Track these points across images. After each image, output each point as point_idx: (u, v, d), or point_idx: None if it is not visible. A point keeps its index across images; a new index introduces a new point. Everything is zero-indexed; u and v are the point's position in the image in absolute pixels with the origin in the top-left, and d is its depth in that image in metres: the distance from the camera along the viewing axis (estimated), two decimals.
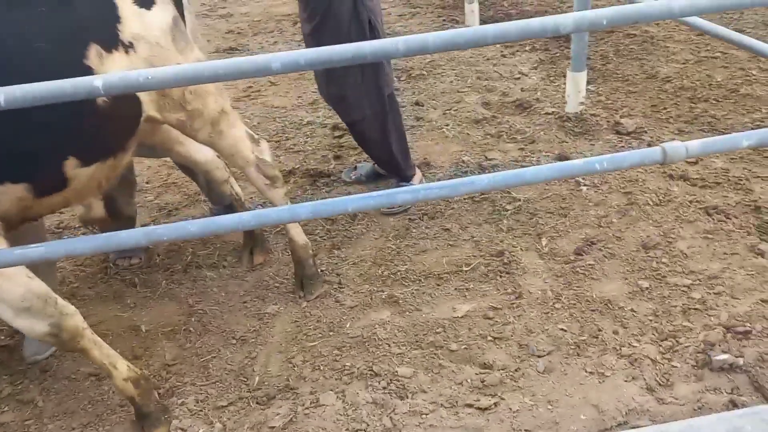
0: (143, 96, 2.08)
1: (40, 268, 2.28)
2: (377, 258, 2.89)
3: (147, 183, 3.62)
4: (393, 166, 3.21)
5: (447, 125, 3.97)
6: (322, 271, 2.80)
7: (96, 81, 1.50)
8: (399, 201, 1.92)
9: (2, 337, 2.51)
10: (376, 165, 3.40)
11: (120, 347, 2.38)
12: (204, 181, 2.99)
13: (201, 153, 2.71)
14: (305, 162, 3.70)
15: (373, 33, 2.86)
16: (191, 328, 2.57)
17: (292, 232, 2.68)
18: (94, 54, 1.87)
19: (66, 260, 2.98)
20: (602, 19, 1.56)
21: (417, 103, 4.25)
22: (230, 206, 3.03)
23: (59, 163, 1.88)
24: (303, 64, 1.65)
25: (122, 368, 2.08)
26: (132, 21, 1.99)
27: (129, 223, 2.92)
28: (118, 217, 2.90)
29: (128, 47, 1.98)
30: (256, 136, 2.56)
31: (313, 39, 2.91)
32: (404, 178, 3.24)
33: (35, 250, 1.74)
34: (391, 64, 3.05)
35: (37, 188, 1.87)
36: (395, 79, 4.41)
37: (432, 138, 3.85)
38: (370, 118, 3.03)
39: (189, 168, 2.95)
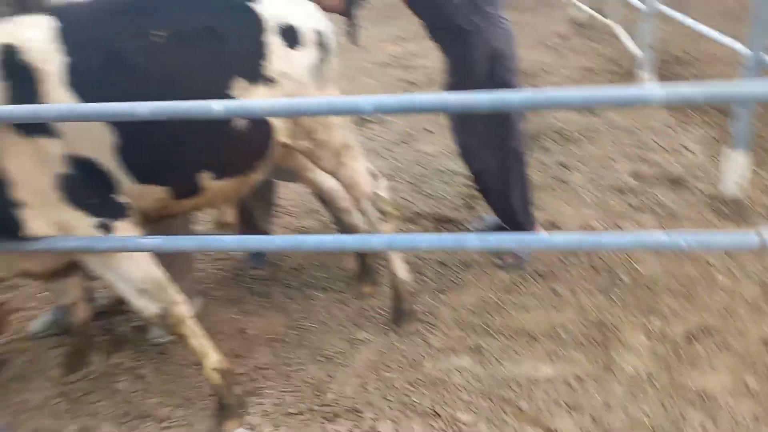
0: (277, 123, 2.33)
1: (179, 262, 2.66)
2: (477, 307, 2.92)
3: (293, 207, 3.99)
4: (512, 220, 3.23)
5: (587, 190, 3.89)
6: (418, 309, 2.89)
7: (215, 105, 1.79)
8: (469, 246, 1.98)
9: (136, 319, 2.92)
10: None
11: (226, 345, 2.67)
12: (331, 209, 3.24)
13: (327, 182, 2.96)
14: (436, 207, 3.85)
15: None
16: (288, 340, 2.79)
17: (394, 265, 2.81)
18: (238, 86, 2.15)
19: (207, 262, 3.39)
20: None
21: (562, 164, 4.22)
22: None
23: (195, 175, 2.19)
24: (394, 107, 1.83)
25: (213, 358, 2.34)
26: (278, 59, 2.24)
27: None
28: (253, 230, 3.26)
29: (271, 82, 2.22)
30: (376, 172, 2.75)
31: (447, 90, 3.07)
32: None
33: (152, 241, 2.07)
34: (520, 120, 3.10)
35: (175, 192, 2.20)
36: (540, 138, 4.42)
37: (567, 200, 3.80)
38: (492, 170, 3.09)
39: (321, 196, 3.23)
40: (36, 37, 1.89)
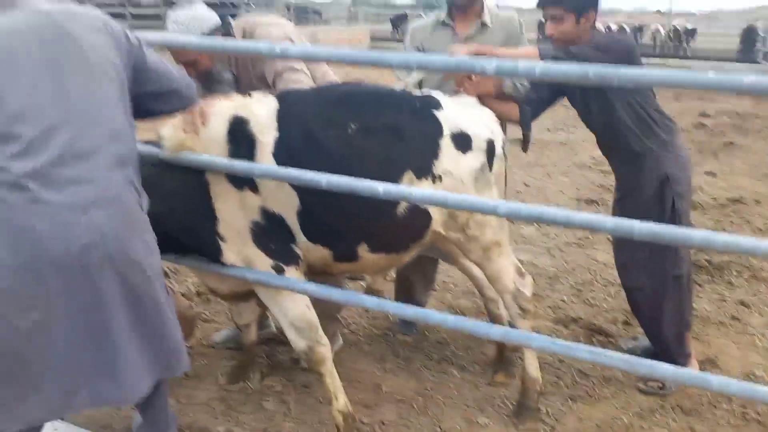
0: (435, 214, 2.59)
1: (329, 309, 3.04)
2: (604, 424, 2.90)
3: (453, 285, 4.25)
4: (662, 347, 3.16)
5: (762, 336, 3.64)
6: (543, 410, 2.95)
7: (379, 187, 2.17)
8: (607, 362, 2.06)
9: (293, 351, 3.34)
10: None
11: (358, 394, 2.99)
12: (481, 295, 3.45)
13: (476, 270, 3.17)
14: (593, 316, 3.85)
15: (674, 216, 2.94)
16: (415, 405, 3.01)
17: (527, 361, 2.92)
18: (407, 177, 2.49)
19: (364, 317, 3.77)
20: None
21: (742, 303, 3.99)
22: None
23: (355, 244, 2.56)
24: (525, 215, 2.05)
25: (341, 401, 2.65)
26: (448, 159, 2.55)
27: None
28: (409, 298, 3.58)
29: (436, 179, 2.54)
30: (523, 270, 2.92)
31: (618, 207, 3.15)
32: (673, 364, 3.14)
33: (311, 287, 2.47)
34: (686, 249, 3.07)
35: (336, 255, 2.59)
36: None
37: (736, 341, 3.58)
38: (646, 291, 3.08)
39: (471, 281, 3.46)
40: (261, 113, 2.42)
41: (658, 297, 3.07)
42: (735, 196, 6.18)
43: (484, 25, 3.18)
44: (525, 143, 3.00)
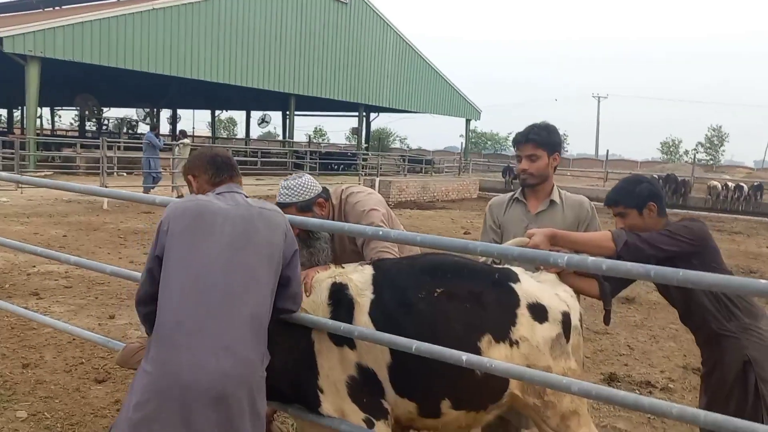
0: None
1: None
2: None
3: None
4: None
5: None
6: None
7: (463, 356, 2.42)
8: None
9: None
10: None
11: None
12: None
13: None
14: None
15: (757, 400, 2.88)
16: None
17: None
18: (486, 340, 2.71)
19: None
20: None
21: None
22: None
23: (438, 401, 2.75)
24: (593, 395, 2.21)
25: None
26: (524, 327, 2.76)
27: None
28: None
29: (513, 343, 2.73)
30: None
31: (705, 382, 3.13)
32: None
33: None
34: None
35: (421, 410, 2.78)
36: None
37: None
38: None
39: None
40: (358, 279, 2.80)
41: None
42: None
43: (553, 202, 3.47)
44: (606, 317, 3.15)
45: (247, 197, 2.69)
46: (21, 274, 8.14)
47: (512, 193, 3.64)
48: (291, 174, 3.55)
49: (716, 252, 3.02)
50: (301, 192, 3.27)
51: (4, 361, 5.17)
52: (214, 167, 2.76)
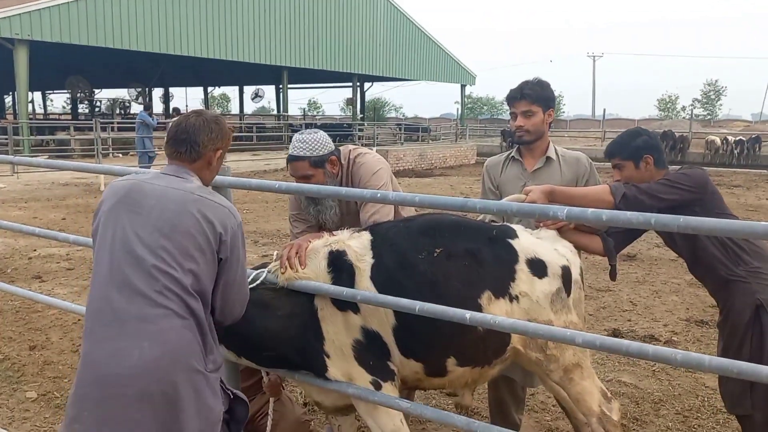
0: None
1: None
2: None
3: (553, 406, 4.27)
4: None
5: None
6: None
7: (466, 314, 2.42)
8: None
9: None
10: None
11: None
12: (568, 417, 3.47)
13: (563, 392, 3.23)
14: None
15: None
16: None
17: None
18: (486, 296, 2.72)
19: None
20: None
21: None
22: None
23: (444, 359, 2.78)
24: (598, 345, 2.21)
25: None
26: (523, 282, 2.76)
27: (514, 429, 3.61)
28: (506, 420, 3.65)
29: (513, 299, 2.75)
30: (609, 395, 2.97)
31: (720, 329, 3.11)
32: None
33: (405, 404, 2.69)
34: None
35: (427, 369, 2.80)
36: None
37: None
38: (758, 420, 2.97)
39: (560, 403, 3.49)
40: (356, 245, 2.78)
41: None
42: None
43: (549, 159, 3.44)
44: (612, 272, 3.14)
45: (194, 183, 2.41)
46: (22, 258, 8.14)
47: (508, 152, 3.61)
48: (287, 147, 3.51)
49: (718, 198, 2.99)
50: (316, 147, 3.24)
51: (12, 344, 5.21)
52: (172, 141, 2.44)
